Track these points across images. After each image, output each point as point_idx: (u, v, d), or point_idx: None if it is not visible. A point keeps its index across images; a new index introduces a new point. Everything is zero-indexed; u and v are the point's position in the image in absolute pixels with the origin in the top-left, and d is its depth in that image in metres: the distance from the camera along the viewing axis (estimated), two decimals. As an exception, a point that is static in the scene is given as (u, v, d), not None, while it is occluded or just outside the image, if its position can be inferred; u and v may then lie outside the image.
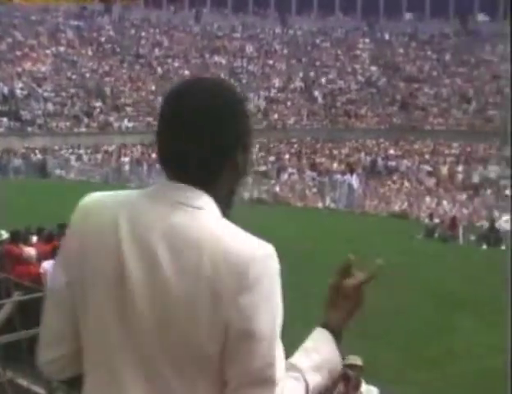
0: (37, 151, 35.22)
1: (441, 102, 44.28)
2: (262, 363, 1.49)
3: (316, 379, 1.62)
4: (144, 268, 1.54)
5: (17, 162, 33.74)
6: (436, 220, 23.23)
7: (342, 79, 47.16)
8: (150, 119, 37.43)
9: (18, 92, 39.65)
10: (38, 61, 43.17)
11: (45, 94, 40.29)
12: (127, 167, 34.03)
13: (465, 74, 46.61)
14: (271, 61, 48.52)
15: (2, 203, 16.21)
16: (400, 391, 7.68)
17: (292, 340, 1.73)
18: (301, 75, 47.17)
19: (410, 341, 10.01)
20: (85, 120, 39.33)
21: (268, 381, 1.50)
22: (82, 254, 1.61)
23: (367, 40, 51.32)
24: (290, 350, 1.64)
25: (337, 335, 1.68)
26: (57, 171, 33.76)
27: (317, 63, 48.54)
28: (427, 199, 28.70)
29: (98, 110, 40.40)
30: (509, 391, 4.44)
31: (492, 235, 21.13)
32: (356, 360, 6.37)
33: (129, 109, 40.60)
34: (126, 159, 34.97)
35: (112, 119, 39.81)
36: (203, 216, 1.55)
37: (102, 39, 47.45)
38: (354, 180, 25.66)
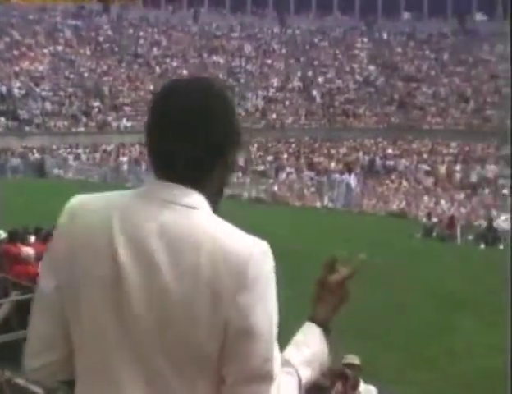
0: (35, 150, 35.18)
1: (439, 101, 44.30)
2: (261, 359, 1.51)
3: (308, 373, 1.67)
4: (140, 268, 1.54)
5: (15, 161, 33.69)
6: (435, 219, 23.25)
7: (340, 78, 47.17)
8: (148, 118, 37.32)
9: (16, 91, 39.60)
10: (35, 61, 43.12)
11: (43, 94, 40.25)
12: (125, 167, 34.02)
13: (463, 73, 46.63)
14: (269, 61, 48.51)
15: (0, 202, 16.20)
16: (400, 391, 7.68)
17: (288, 337, 1.74)
18: (299, 74, 47.16)
19: (410, 341, 10.01)
20: (83, 119, 39.29)
21: (266, 377, 1.52)
22: (72, 255, 1.60)
23: (365, 40, 51.33)
24: (285, 348, 1.67)
25: (324, 328, 1.73)
26: (55, 171, 33.72)
27: (316, 63, 48.53)
28: (425, 198, 28.74)
29: (96, 109, 40.37)
30: (510, 391, 4.43)
31: (490, 235, 21.14)
32: (354, 360, 6.38)
33: (127, 109, 40.57)
34: (125, 159, 34.95)
35: (110, 118, 39.79)
36: (197, 215, 1.56)
37: (101, 39, 47.41)
38: (352, 180, 25.68)
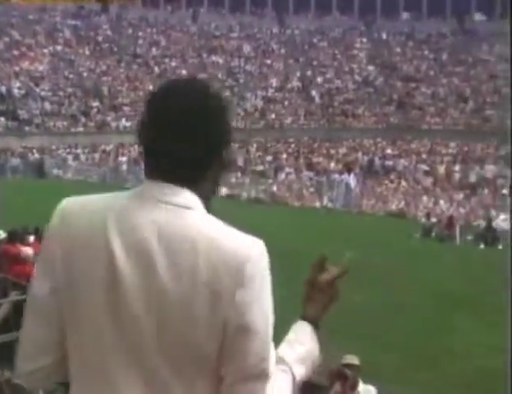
0: (34, 150, 35.17)
1: (438, 101, 44.31)
2: (257, 357, 1.53)
3: (302, 371, 1.68)
4: (137, 269, 1.54)
5: (15, 161, 33.68)
6: (434, 219, 23.23)
7: (339, 78, 47.17)
8: (147, 118, 37.30)
9: (15, 91, 39.59)
10: (35, 61, 43.11)
11: (42, 94, 40.24)
12: (125, 167, 34.00)
13: (462, 73, 46.64)
14: (268, 61, 48.50)
15: (-1, 202, 16.19)
16: (400, 391, 7.68)
17: (284, 337, 1.76)
18: (298, 74, 47.15)
19: (409, 341, 10.00)
20: (83, 119, 39.28)
21: (262, 375, 1.53)
22: (68, 257, 1.60)
23: (364, 40, 51.33)
24: (278, 346, 1.69)
25: (315, 326, 1.75)
26: (55, 171, 33.71)
27: (315, 63, 48.53)
28: (425, 198, 28.75)
29: (95, 109, 40.37)
30: (510, 391, 4.44)
31: (489, 235, 21.13)
32: (353, 360, 6.37)
33: (126, 109, 40.56)
34: (124, 159, 34.94)
35: (109, 118, 39.78)
36: (192, 215, 1.57)
37: (100, 39, 47.39)
38: (352, 180, 25.65)
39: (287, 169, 34.50)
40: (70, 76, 42.65)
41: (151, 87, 41.86)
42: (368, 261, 14.11)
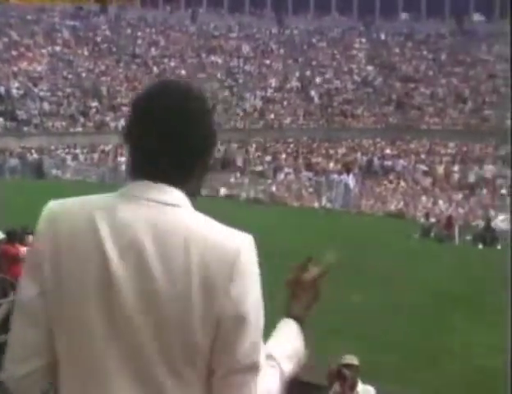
0: (33, 151, 35.14)
1: (437, 101, 44.33)
2: (250, 348, 1.55)
3: (289, 367, 1.71)
4: (131, 270, 1.55)
5: (13, 161, 33.64)
6: (433, 219, 23.23)
7: (338, 78, 47.17)
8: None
9: (14, 91, 39.57)
10: (34, 61, 43.09)
11: (41, 94, 40.22)
12: (124, 167, 33.94)
13: (461, 73, 46.66)
14: (267, 61, 48.50)
15: (-2, 203, 16.19)
16: (399, 391, 7.69)
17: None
18: (297, 74, 47.15)
19: (409, 341, 10.00)
20: (81, 119, 39.26)
21: (254, 367, 1.56)
22: (56, 260, 1.60)
23: (363, 40, 51.33)
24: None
25: (300, 324, 1.80)
26: (54, 171, 33.67)
27: (314, 63, 48.53)
28: (423, 198, 28.77)
29: (94, 110, 40.35)
30: (510, 391, 4.44)
31: (488, 235, 21.13)
32: (352, 360, 6.38)
33: (125, 109, 40.43)
34: (123, 159, 34.84)
35: (108, 119, 39.75)
36: (181, 212, 1.59)
37: (99, 39, 47.37)
38: (351, 180, 25.62)
39: (286, 169, 34.50)
40: (69, 77, 42.64)
41: (150, 87, 41.84)
42: (367, 261, 14.14)
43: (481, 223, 23.10)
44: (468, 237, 21.68)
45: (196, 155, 1.65)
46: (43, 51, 44.48)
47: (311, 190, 30.36)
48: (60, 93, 40.74)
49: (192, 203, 1.65)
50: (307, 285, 1.81)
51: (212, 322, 1.53)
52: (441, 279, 13.70)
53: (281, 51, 49.71)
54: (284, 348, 1.73)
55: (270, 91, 45.21)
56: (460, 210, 26.52)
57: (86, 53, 45.55)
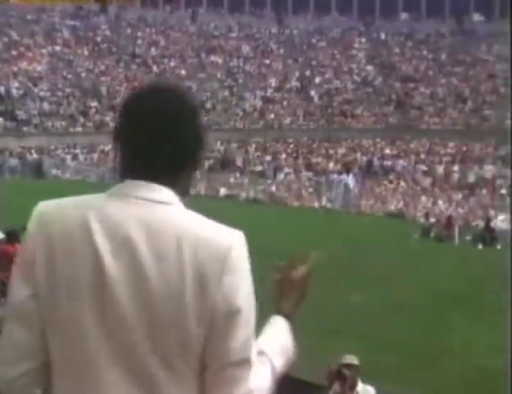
0: (33, 151, 35.16)
1: (437, 101, 44.33)
2: (242, 343, 1.57)
3: (280, 363, 1.73)
4: (124, 269, 1.55)
5: (13, 161, 33.65)
6: (432, 220, 23.23)
7: (338, 78, 47.16)
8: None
9: (14, 91, 39.58)
10: (34, 61, 43.09)
11: (41, 94, 40.22)
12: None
13: (461, 73, 46.66)
14: (267, 61, 48.49)
15: (-2, 203, 16.18)
16: (399, 391, 7.69)
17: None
18: (297, 74, 47.14)
19: (409, 341, 10.00)
20: (81, 119, 39.27)
21: (246, 361, 1.58)
22: (49, 262, 1.60)
23: (363, 40, 51.32)
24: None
25: (290, 322, 1.82)
26: (53, 171, 33.69)
27: (314, 63, 48.51)
28: (423, 198, 28.76)
29: (93, 110, 40.35)
30: (510, 391, 4.44)
31: (488, 235, 21.12)
32: (352, 360, 6.38)
33: (125, 109, 40.53)
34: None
35: (108, 119, 39.71)
36: (172, 210, 1.61)
37: (99, 39, 47.36)
38: (351, 180, 25.62)
39: (286, 169, 34.51)
40: (69, 76, 42.64)
41: (150, 87, 41.84)
42: (366, 261, 14.14)
43: (481, 223, 23.09)
44: (468, 237, 21.68)
45: (187, 155, 1.67)
46: (43, 51, 44.49)
47: (311, 190, 30.37)
48: (60, 93, 40.75)
49: (182, 202, 1.66)
50: (296, 283, 1.84)
51: (206, 320, 1.54)
52: (441, 279, 13.70)
53: (281, 51, 49.70)
54: (274, 344, 1.74)
55: (270, 91, 45.21)
56: (460, 210, 26.52)
57: (86, 53, 45.55)
